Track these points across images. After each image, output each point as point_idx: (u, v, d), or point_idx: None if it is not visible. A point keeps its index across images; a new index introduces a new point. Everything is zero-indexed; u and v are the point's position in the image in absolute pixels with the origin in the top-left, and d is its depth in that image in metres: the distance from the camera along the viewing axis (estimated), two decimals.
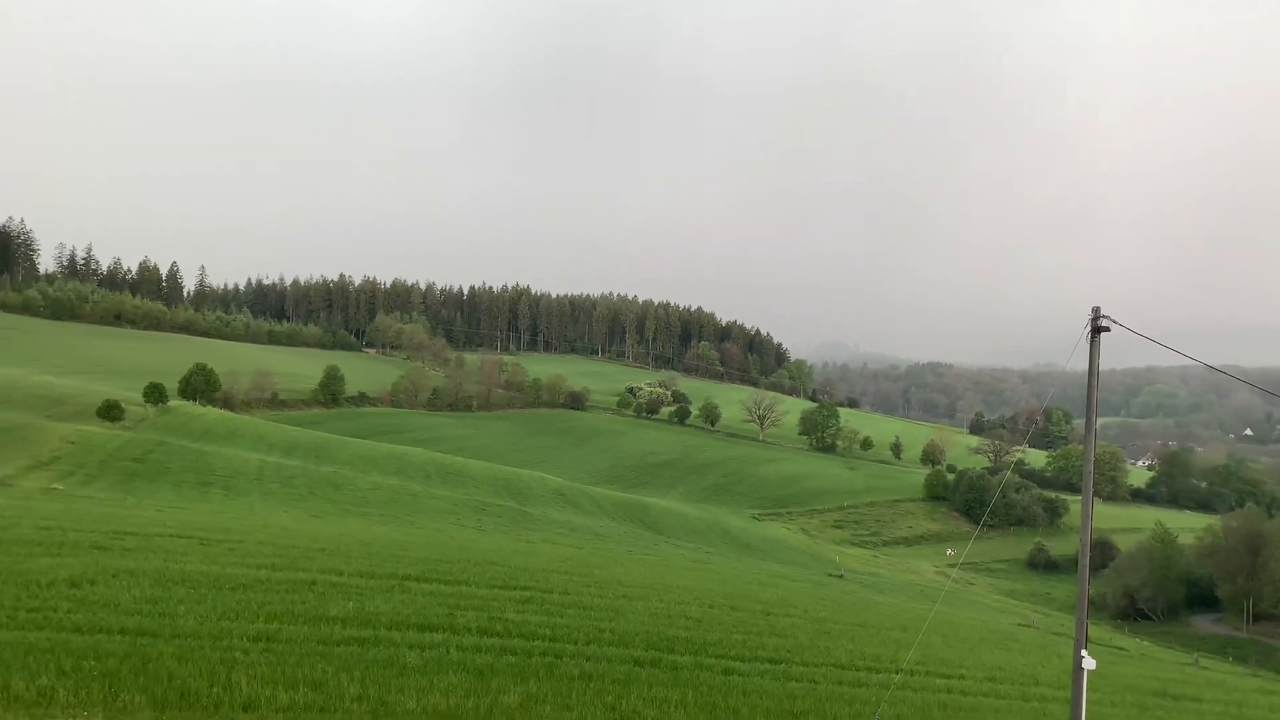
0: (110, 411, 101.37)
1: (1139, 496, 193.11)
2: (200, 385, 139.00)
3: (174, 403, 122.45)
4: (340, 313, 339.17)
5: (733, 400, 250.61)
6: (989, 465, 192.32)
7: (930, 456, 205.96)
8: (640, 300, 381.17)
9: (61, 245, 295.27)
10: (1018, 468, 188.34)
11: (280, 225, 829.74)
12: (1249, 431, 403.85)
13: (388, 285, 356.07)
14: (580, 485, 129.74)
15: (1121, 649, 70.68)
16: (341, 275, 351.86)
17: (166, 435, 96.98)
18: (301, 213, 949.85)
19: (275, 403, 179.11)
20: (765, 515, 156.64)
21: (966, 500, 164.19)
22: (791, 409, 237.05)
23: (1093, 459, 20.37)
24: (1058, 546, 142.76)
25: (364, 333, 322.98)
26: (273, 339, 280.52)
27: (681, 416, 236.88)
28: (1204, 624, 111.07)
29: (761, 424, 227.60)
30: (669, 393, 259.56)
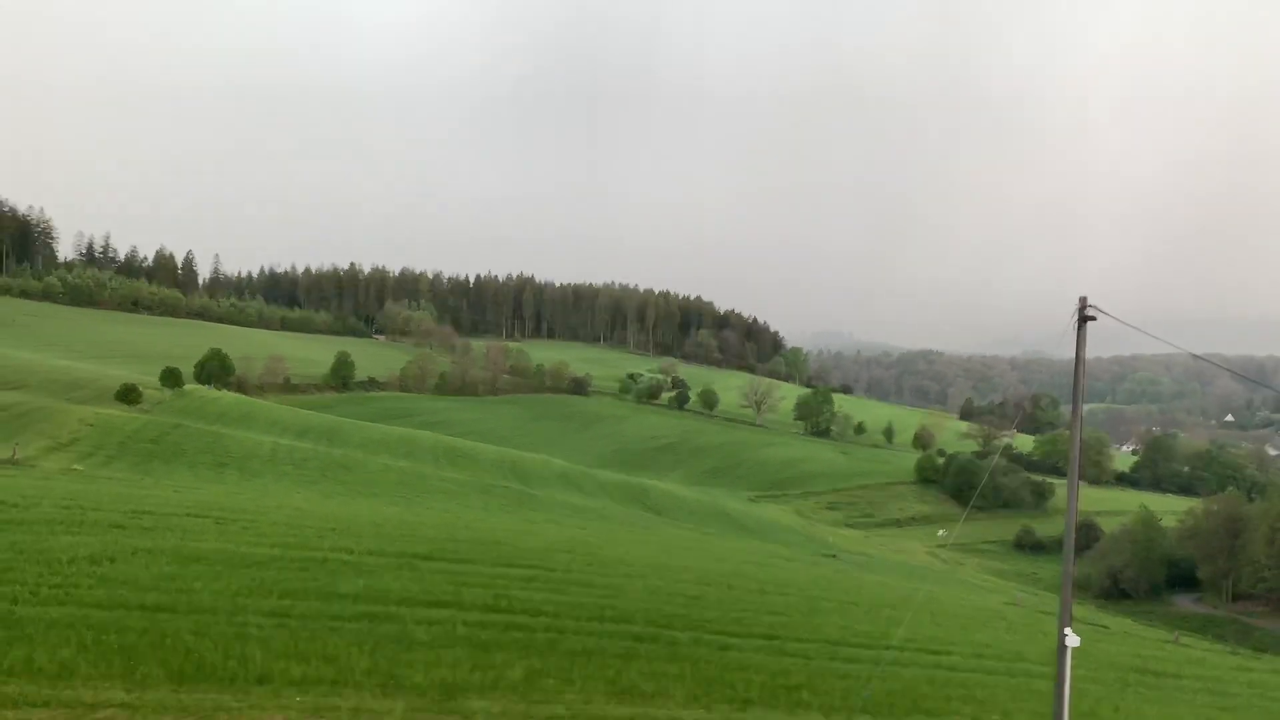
0: (128, 395, 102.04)
1: (1123, 480, 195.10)
2: (215, 370, 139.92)
3: (190, 386, 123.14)
4: (350, 300, 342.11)
5: (730, 386, 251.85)
6: (978, 450, 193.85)
7: (921, 441, 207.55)
8: (641, 289, 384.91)
9: (80, 234, 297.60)
10: (1006, 452, 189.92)
11: (292, 215, 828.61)
12: (1230, 417, 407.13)
13: (396, 274, 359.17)
14: (583, 468, 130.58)
15: (1105, 627, 71.89)
16: (352, 264, 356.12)
17: (183, 418, 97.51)
18: (313, 204, 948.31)
19: (288, 387, 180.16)
20: (762, 497, 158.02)
21: (956, 483, 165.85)
22: (787, 395, 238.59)
23: (1079, 444, 21.12)
24: (1044, 528, 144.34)
25: (373, 320, 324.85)
26: (285, 325, 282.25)
27: (681, 402, 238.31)
28: (1185, 603, 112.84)
29: (758, 409, 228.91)
30: (669, 379, 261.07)
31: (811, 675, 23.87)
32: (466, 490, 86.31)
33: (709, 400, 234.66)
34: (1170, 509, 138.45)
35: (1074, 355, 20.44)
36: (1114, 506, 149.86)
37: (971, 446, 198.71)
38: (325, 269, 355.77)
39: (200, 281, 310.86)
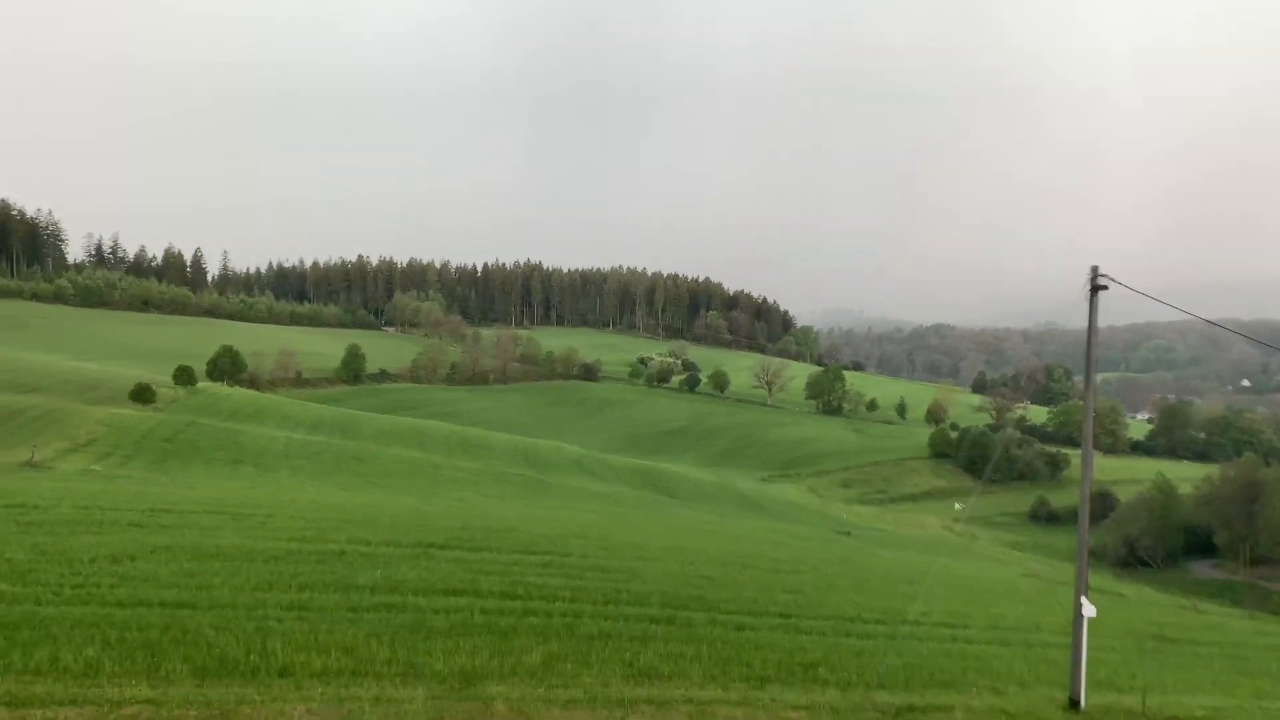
0: (142, 394, 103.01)
1: (1138, 449, 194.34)
2: (227, 366, 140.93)
3: (202, 384, 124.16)
4: (359, 293, 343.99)
5: (741, 367, 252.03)
6: (991, 423, 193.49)
7: (934, 416, 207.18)
8: (649, 273, 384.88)
9: (89, 235, 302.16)
10: (1019, 424, 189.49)
11: (299, 210, 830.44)
12: (1246, 383, 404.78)
13: (404, 265, 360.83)
14: (595, 453, 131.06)
15: (1121, 595, 71.94)
16: (359, 256, 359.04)
17: (197, 416, 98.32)
18: (319, 198, 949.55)
19: (299, 381, 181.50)
20: (775, 477, 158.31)
21: (970, 457, 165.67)
22: (798, 374, 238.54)
23: (1092, 413, 21.13)
24: (1059, 499, 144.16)
25: (382, 312, 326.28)
26: (295, 320, 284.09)
27: (692, 385, 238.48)
28: (1202, 570, 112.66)
29: (769, 389, 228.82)
30: (679, 362, 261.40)
31: (827, 652, 23.99)
32: (480, 479, 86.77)
33: (720, 382, 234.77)
34: (1187, 476, 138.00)
35: (1086, 325, 20.44)
36: (1130, 475, 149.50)
37: (985, 420, 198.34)
38: (333, 262, 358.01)
39: (209, 279, 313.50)
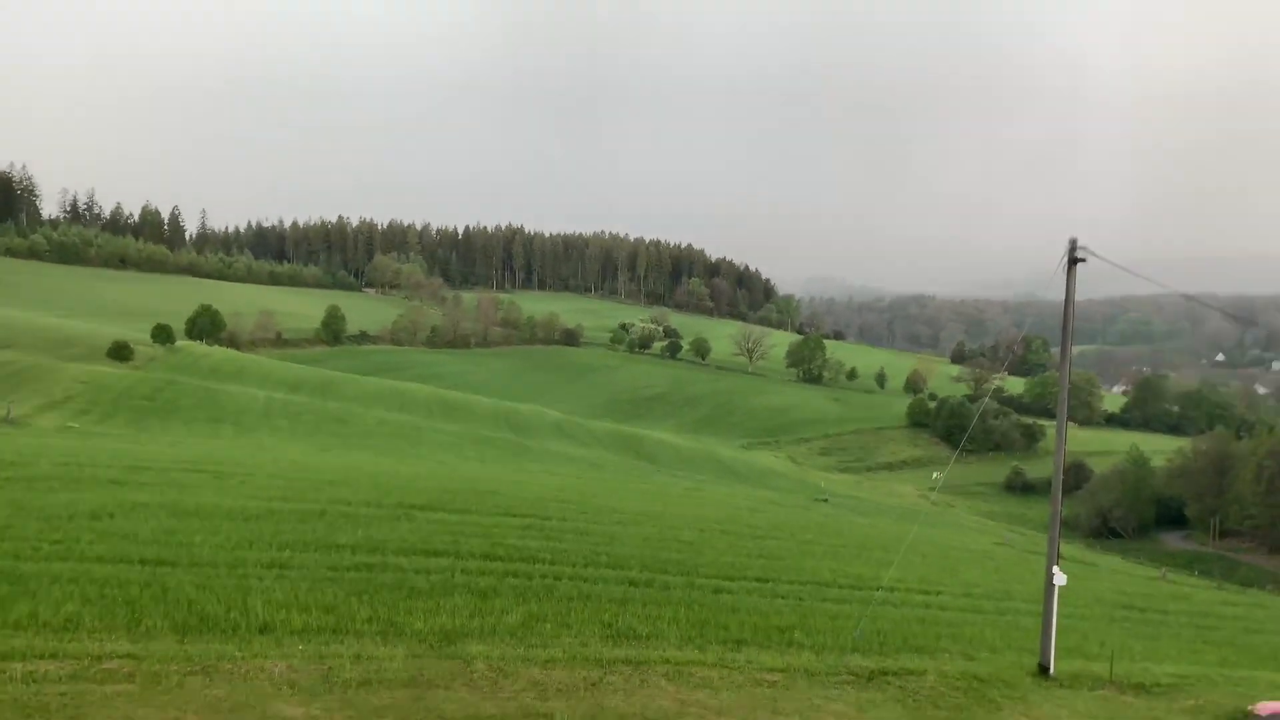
0: (120, 352, 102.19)
1: (1113, 421, 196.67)
2: (206, 326, 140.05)
3: (181, 343, 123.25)
4: (339, 254, 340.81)
5: (722, 335, 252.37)
6: (969, 393, 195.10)
7: (913, 386, 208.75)
8: (632, 238, 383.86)
9: (64, 190, 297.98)
10: (997, 395, 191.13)
11: (278, 168, 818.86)
12: (1221, 357, 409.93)
13: (384, 226, 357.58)
14: (576, 418, 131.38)
15: (1092, 565, 73.23)
16: (340, 217, 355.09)
17: (176, 374, 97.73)
18: (298, 155, 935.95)
19: (279, 342, 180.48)
20: (754, 445, 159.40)
21: (948, 426, 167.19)
22: (779, 342, 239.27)
23: (1068, 385, 21.35)
24: (1034, 469, 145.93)
25: (363, 273, 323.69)
26: (274, 280, 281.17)
27: (673, 351, 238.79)
28: (1173, 541, 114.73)
29: (750, 357, 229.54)
30: (660, 328, 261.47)
31: (803, 616, 24.34)
32: (462, 442, 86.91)
33: (701, 349, 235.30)
34: (1160, 449, 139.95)
35: (1064, 297, 20.59)
36: (1104, 447, 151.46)
37: (963, 390, 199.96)
38: (313, 222, 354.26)
39: (187, 237, 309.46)
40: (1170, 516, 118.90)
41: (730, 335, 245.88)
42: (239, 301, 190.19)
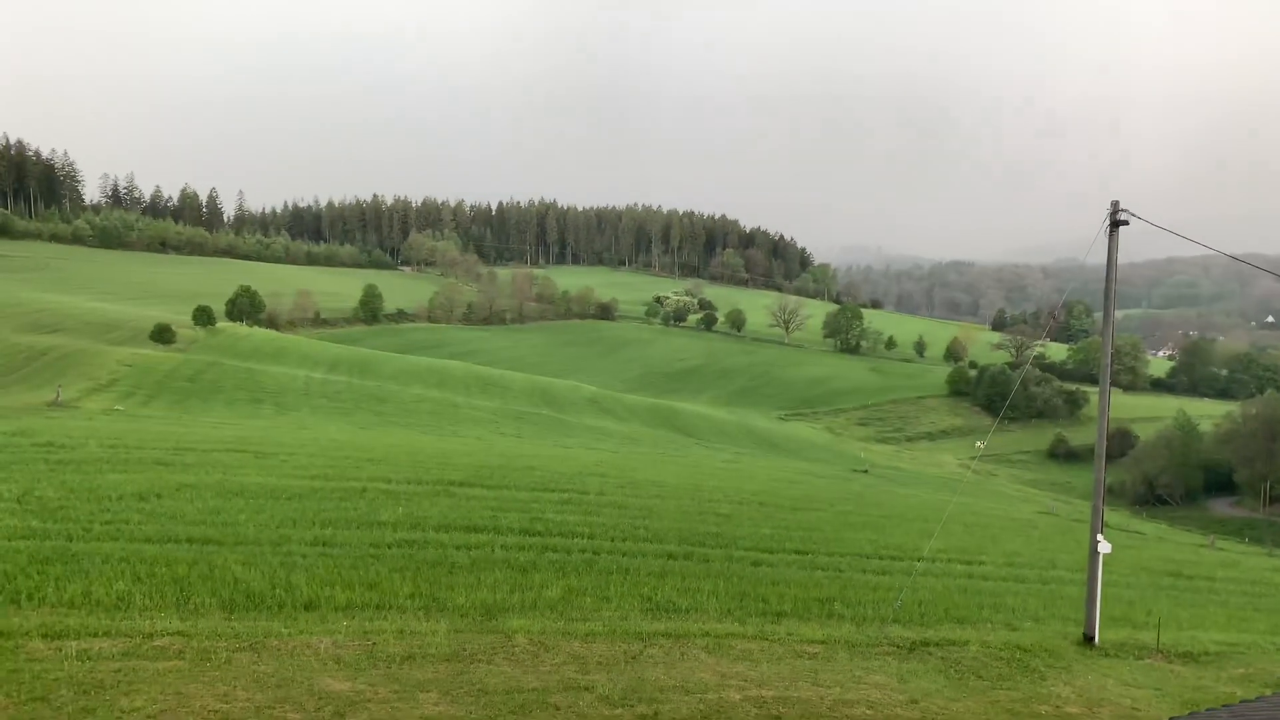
0: (163, 335, 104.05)
1: (1159, 386, 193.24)
2: (245, 307, 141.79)
3: (222, 324, 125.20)
4: (374, 232, 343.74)
5: (758, 306, 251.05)
6: (1010, 360, 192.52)
7: (953, 354, 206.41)
8: (665, 210, 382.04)
9: (105, 176, 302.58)
10: (1038, 361, 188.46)
11: (314, 149, 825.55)
12: (1271, 319, 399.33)
13: (419, 204, 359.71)
14: (612, 393, 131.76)
15: (1139, 533, 72.19)
16: (374, 196, 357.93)
17: (217, 355, 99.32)
18: (334, 136, 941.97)
19: (317, 321, 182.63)
20: (792, 416, 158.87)
21: (988, 395, 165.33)
22: (815, 312, 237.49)
23: (1110, 351, 20.94)
24: (1078, 437, 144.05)
25: (398, 251, 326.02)
26: (311, 260, 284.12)
27: (708, 323, 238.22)
28: (1221, 507, 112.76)
29: (786, 328, 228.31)
30: (695, 300, 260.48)
31: (843, 587, 24.27)
32: (499, 418, 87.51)
33: (736, 320, 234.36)
34: (1208, 414, 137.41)
35: (1106, 261, 20.14)
36: (1150, 413, 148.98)
37: (1004, 358, 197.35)
38: (348, 201, 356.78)
39: (225, 219, 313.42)
40: (1219, 483, 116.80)
41: (766, 306, 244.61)
42: (277, 282, 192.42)
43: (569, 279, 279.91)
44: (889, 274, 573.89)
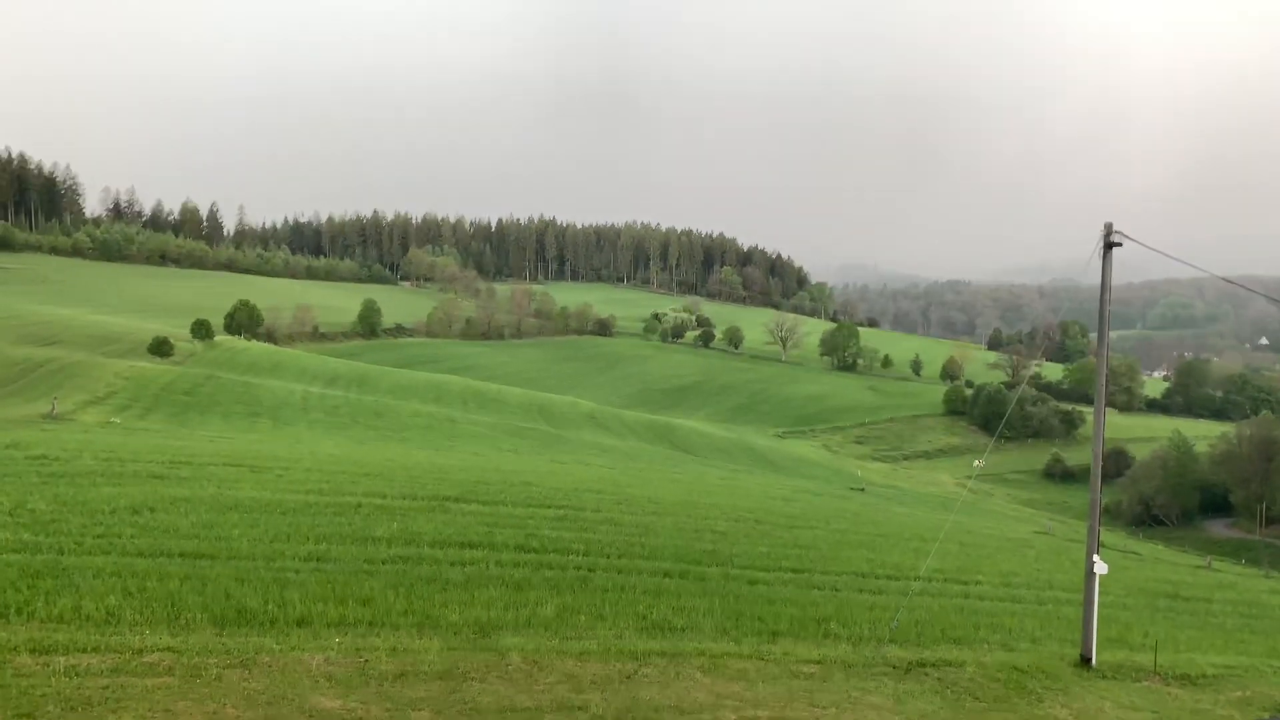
0: (161, 348, 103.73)
1: (1154, 407, 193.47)
2: (244, 320, 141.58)
3: (220, 338, 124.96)
4: (374, 247, 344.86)
5: (755, 323, 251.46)
6: (1007, 380, 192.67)
7: (949, 373, 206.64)
8: (663, 228, 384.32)
9: (106, 189, 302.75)
10: (1034, 381, 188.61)
11: (315, 165, 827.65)
12: (1264, 340, 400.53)
13: (419, 220, 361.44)
14: (610, 408, 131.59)
15: (1135, 553, 72.00)
16: (375, 211, 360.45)
17: (215, 369, 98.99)
18: (335, 151, 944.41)
19: (316, 336, 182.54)
20: (789, 434, 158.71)
21: (985, 414, 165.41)
22: (813, 330, 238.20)
23: (1105, 371, 20.94)
24: (1074, 457, 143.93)
25: (398, 266, 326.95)
26: (310, 274, 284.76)
27: (706, 340, 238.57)
28: (1218, 528, 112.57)
29: (784, 346, 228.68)
30: (693, 317, 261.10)
31: (839, 607, 24.15)
32: (496, 433, 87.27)
33: (734, 338, 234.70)
34: (1203, 434, 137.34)
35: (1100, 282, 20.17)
36: (1145, 433, 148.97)
37: (1000, 377, 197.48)
38: (349, 217, 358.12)
39: (226, 233, 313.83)
40: (1215, 503, 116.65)
41: (763, 324, 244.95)
42: (276, 296, 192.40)
43: (568, 295, 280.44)
44: (885, 293, 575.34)
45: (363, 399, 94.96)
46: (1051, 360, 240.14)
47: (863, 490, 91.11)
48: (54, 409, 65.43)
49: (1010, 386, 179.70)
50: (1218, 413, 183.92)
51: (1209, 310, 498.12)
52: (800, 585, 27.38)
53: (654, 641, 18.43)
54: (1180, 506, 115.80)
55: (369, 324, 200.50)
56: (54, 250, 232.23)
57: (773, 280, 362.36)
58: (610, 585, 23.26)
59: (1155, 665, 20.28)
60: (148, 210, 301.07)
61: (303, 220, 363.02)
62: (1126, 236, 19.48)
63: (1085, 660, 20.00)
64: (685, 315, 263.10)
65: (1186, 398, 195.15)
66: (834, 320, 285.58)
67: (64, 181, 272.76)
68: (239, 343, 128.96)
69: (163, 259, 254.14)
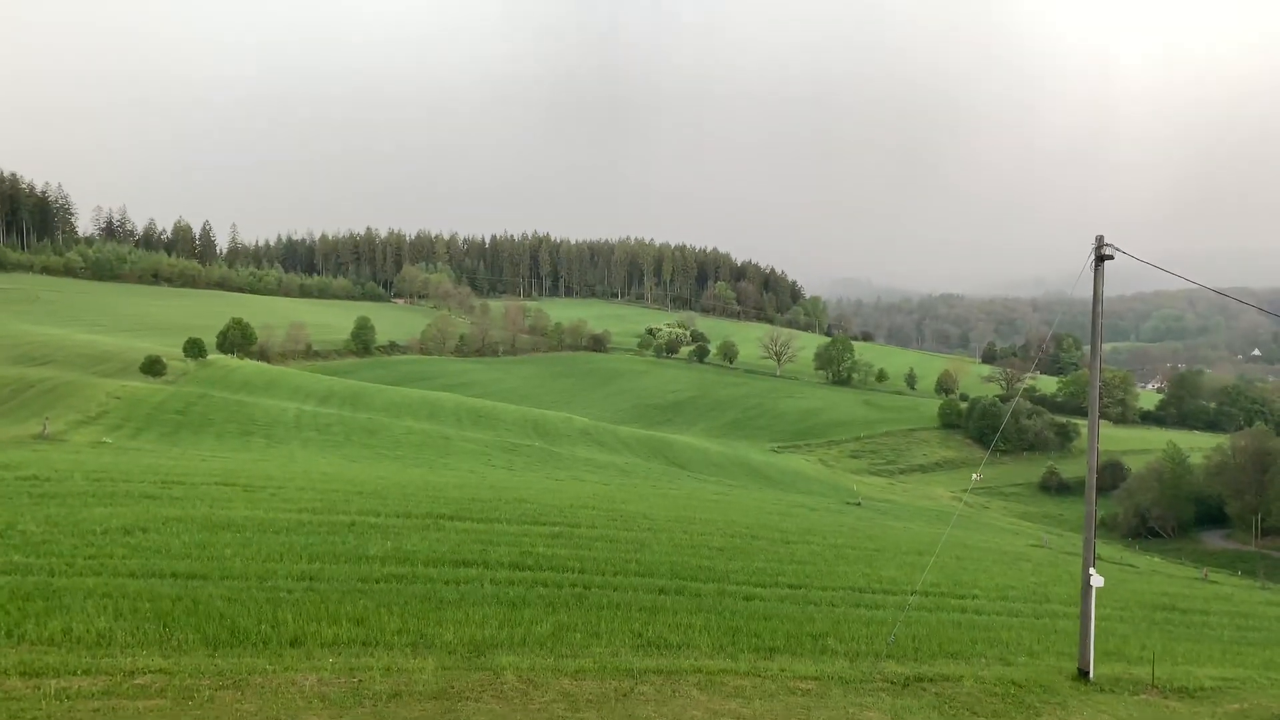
0: (153, 367, 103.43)
1: (1149, 419, 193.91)
2: (237, 339, 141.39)
3: (213, 356, 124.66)
4: (368, 265, 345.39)
5: (750, 338, 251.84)
6: (1001, 393, 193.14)
7: (944, 386, 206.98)
8: (657, 243, 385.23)
9: (98, 208, 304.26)
10: (1029, 394, 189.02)
11: (307, 182, 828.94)
12: (1257, 352, 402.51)
13: (412, 237, 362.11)
14: (605, 424, 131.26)
15: (1132, 566, 71.95)
16: (368, 229, 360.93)
17: (208, 388, 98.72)
18: (327, 171, 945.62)
19: (309, 354, 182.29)
20: (784, 448, 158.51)
21: (980, 427, 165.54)
22: (807, 345, 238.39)
23: (1098, 383, 20.97)
24: (1069, 469, 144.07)
25: (391, 284, 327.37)
26: (304, 292, 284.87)
27: (700, 355, 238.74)
28: (1214, 540, 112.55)
29: (778, 360, 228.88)
30: (687, 332, 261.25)
31: (836, 622, 24.05)
32: (490, 450, 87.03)
33: (728, 352, 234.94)
34: (1198, 446, 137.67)
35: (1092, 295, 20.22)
36: (1140, 445, 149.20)
37: (994, 390, 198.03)
38: (342, 235, 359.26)
39: (219, 251, 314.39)
40: (1210, 515, 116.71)
41: (757, 338, 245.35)
42: (270, 314, 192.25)
43: (562, 311, 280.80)
44: (880, 307, 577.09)
45: (356, 417, 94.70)
46: (1046, 373, 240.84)
47: (859, 504, 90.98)
48: (45, 429, 65.16)
49: (1005, 399, 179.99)
50: (1212, 424, 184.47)
51: (1201, 322, 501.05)
52: (797, 601, 27.28)
53: (650, 659, 18.32)
54: (1176, 518, 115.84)
55: (362, 341, 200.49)
56: (46, 270, 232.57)
57: (767, 295, 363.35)
58: (605, 602, 23.15)
59: (1153, 678, 20.23)
60: (140, 229, 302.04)
61: (296, 238, 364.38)
62: (1118, 249, 19.55)
63: (1083, 674, 19.93)
64: (679, 330, 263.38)
65: (1180, 409, 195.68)
66: (828, 334, 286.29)
67: (56, 201, 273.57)
68: (232, 361, 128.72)
69: (155, 278, 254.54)
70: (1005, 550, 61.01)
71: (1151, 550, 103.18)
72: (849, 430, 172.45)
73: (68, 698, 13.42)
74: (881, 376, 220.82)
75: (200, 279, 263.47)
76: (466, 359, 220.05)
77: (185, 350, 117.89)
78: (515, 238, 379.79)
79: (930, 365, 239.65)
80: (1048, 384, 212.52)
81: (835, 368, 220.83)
